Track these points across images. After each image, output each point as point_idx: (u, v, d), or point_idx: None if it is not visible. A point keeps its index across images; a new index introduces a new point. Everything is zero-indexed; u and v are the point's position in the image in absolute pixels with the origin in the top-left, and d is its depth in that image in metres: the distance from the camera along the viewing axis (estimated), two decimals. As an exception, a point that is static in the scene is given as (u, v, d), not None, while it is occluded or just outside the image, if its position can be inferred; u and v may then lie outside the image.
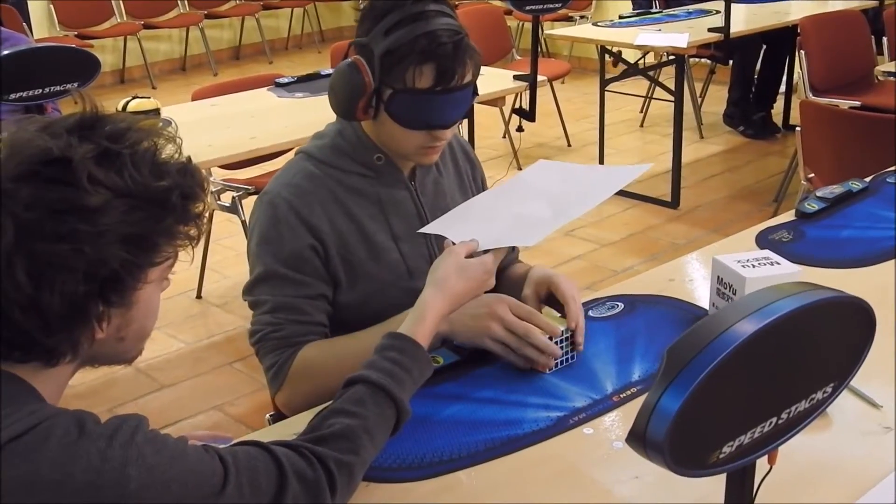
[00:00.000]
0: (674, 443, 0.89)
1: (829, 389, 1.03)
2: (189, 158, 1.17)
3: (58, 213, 1.03)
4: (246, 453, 1.21)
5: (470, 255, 1.61)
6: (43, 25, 7.85)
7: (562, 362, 1.72)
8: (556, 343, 1.70)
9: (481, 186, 2.04)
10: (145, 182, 1.08)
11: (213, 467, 1.14)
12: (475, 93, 1.78)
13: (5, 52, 2.70)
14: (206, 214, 1.19)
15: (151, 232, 1.10)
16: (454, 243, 1.63)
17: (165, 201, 1.10)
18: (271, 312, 1.72)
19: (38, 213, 1.02)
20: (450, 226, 1.69)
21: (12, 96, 2.68)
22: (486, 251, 1.63)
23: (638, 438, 0.90)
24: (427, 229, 1.72)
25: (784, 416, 0.99)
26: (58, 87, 2.78)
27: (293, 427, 1.58)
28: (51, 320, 1.06)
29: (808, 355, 0.98)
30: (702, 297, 2.01)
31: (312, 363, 1.70)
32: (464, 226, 1.68)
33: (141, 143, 1.11)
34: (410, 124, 1.71)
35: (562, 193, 1.77)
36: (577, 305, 1.75)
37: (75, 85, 2.91)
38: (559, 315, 1.75)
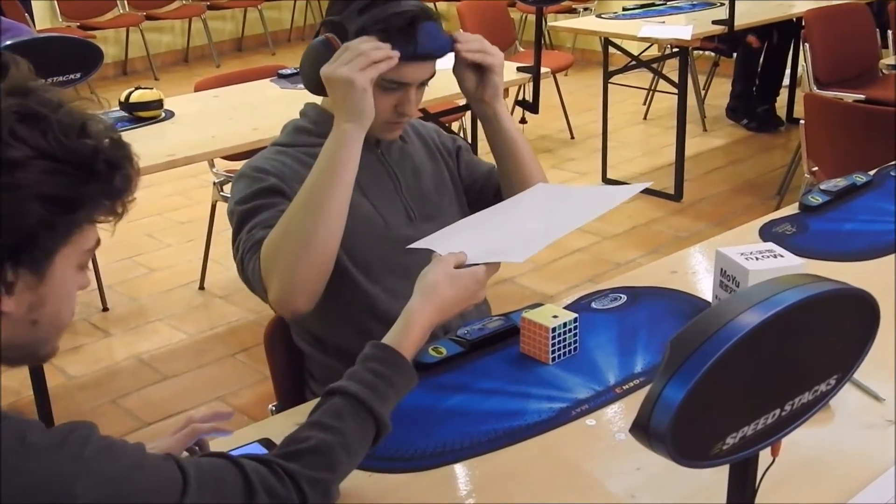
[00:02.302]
0: (677, 433, 0.89)
1: (832, 382, 1.03)
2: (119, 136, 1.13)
3: None
4: (212, 465, 1.16)
5: (459, 267, 1.57)
6: (45, 16, 7.84)
7: (564, 353, 1.72)
8: (558, 335, 1.70)
9: (453, 150, 2.06)
10: (70, 145, 1.04)
11: (172, 478, 1.10)
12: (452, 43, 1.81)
13: (7, 43, 2.69)
14: (132, 194, 1.12)
15: (72, 195, 1.05)
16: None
17: (89, 166, 1.06)
18: (247, 230, 1.76)
19: None
20: (440, 241, 1.67)
21: (14, 86, 2.67)
22: (475, 264, 1.58)
23: (641, 429, 0.90)
24: (418, 244, 1.68)
25: (787, 407, 0.99)
26: (60, 78, 2.77)
27: (296, 417, 1.58)
28: None
29: (811, 347, 0.98)
30: (704, 289, 2.01)
31: (269, 239, 1.70)
32: (453, 241, 1.66)
33: (69, 112, 1.07)
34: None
35: (555, 211, 1.77)
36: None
37: (78, 76, 2.91)
38: (554, 316, 1.74)
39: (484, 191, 2.04)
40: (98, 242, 1.13)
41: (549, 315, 1.74)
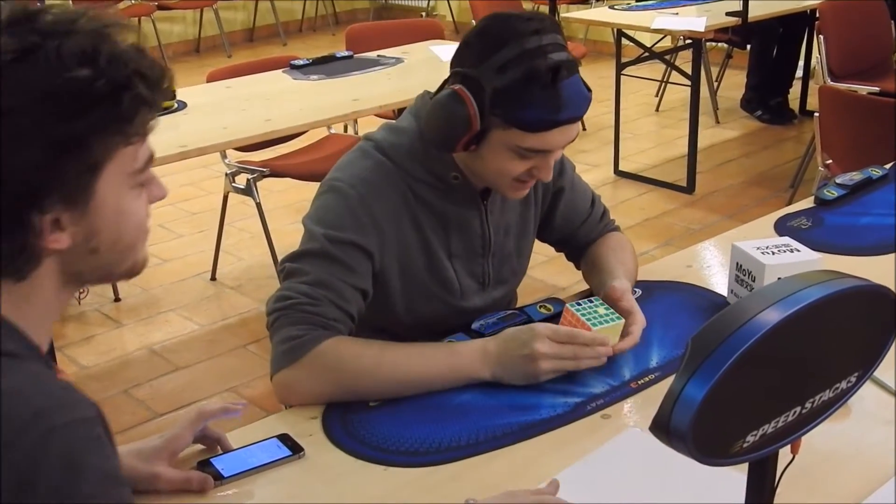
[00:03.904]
0: (698, 432, 0.88)
1: (853, 379, 1.02)
2: (137, 45, 1.06)
3: None
4: None
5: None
6: (56, 3, 7.84)
7: None
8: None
9: (552, 191, 1.93)
10: (67, 76, 0.98)
11: None
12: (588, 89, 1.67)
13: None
14: (153, 109, 1.07)
15: (75, 132, 1.00)
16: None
17: (88, 95, 0.99)
18: (311, 285, 1.62)
19: None
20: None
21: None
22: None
23: (662, 427, 0.89)
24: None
25: (808, 405, 0.98)
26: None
27: (310, 410, 1.58)
28: None
29: (832, 344, 0.97)
30: (719, 283, 2.00)
31: (343, 357, 1.59)
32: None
33: (76, 33, 1.01)
34: (540, 125, 1.60)
35: None
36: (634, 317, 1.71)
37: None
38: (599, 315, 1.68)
39: (561, 241, 2.03)
40: (151, 157, 1.09)
41: (594, 312, 1.67)
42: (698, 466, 0.95)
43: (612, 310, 1.68)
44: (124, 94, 1.02)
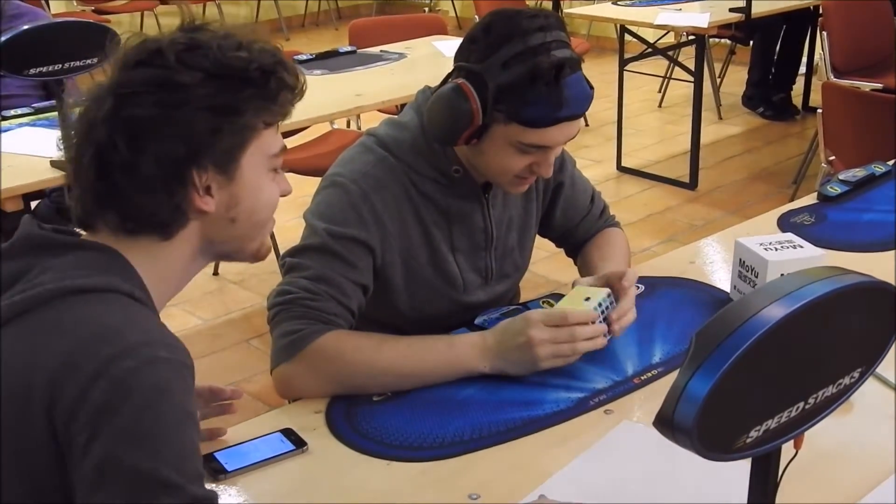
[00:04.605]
0: (702, 427, 0.88)
1: (856, 374, 1.02)
2: (277, 47, 1.29)
3: (149, 87, 1.18)
4: None
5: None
6: (60, 0, 7.84)
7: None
8: (603, 310, 1.66)
9: (552, 186, 1.94)
10: (226, 60, 1.21)
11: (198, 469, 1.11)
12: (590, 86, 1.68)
13: (25, 28, 2.70)
14: (293, 94, 1.28)
15: (232, 102, 1.20)
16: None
17: (244, 75, 1.21)
18: (312, 280, 1.63)
19: (132, 88, 1.18)
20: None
21: (32, 71, 2.67)
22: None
23: (666, 422, 0.89)
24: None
25: (811, 400, 0.98)
26: (78, 63, 2.77)
27: (313, 405, 1.58)
28: (148, 181, 1.18)
29: (836, 340, 0.98)
30: (722, 279, 2.00)
31: (342, 350, 1.59)
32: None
33: (232, 37, 1.24)
34: (541, 122, 1.61)
35: None
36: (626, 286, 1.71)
37: (95, 60, 2.91)
38: (587, 298, 1.69)
39: (561, 237, 2.03)
40: (284, 148, 1.31)
41: (580, 299, 1.67)
42: (695, 460, 0.95)
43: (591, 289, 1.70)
44: (271, 77, 1.23)
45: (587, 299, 1.67)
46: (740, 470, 1.05)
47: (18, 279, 1.16)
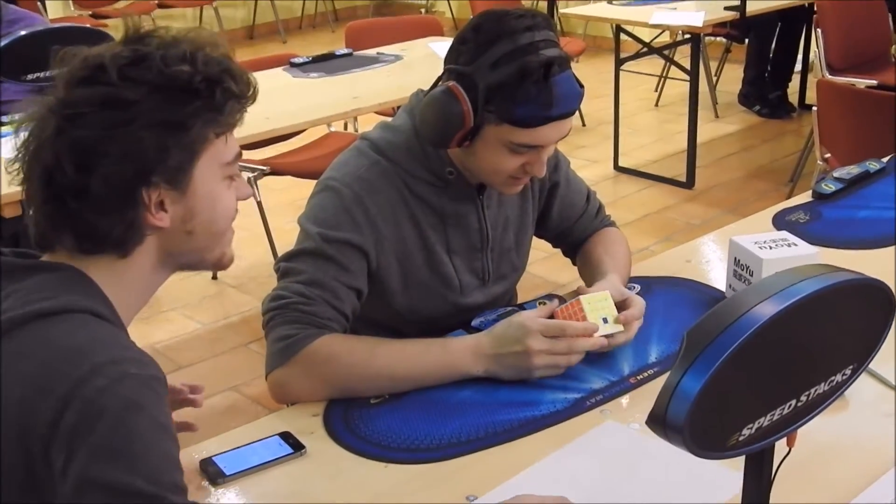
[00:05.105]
0: (694, 425, 0.89)
1: (848, 372, 1.03)
2: (226, 55, 1.26)
3: (93, 106, 1.16)
4: None
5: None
6: (57, 5, 7.84)
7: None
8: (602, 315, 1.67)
9: (548, 186, 1.94)
10: (171, 73, 1.18)
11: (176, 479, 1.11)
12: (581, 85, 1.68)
13: (21, 33, 2.70)
14: (241, 103, 1.26)
15: (180, 115, 1.19)
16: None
17: (188, 86, 1.19)
18: (306, 284, 1.64)
19: (76, 108, 1.16)
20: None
21: (29, 77, 2.68)
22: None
23: (658, 420, 0.90)
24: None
25: (803, 398, 0.99)
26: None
27: (312, 408, 1.59)
28: (99, 202, 1.16)
29: (827, 337, 0.98)
30: (718, 278, 2.01)
31: (335, 354, 1.60)
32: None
33: (177, 46, 1.21)
34: (532, 121, 1.61)
35: None
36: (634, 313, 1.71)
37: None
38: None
39: (558, 237, 2.03)
40: (239, 155, 1.29)
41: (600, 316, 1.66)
42: (680, 458, 0.95)
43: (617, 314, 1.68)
44: (217, 88, 1.21)
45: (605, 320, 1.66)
46: (719, 471, 1.05)
47: None
